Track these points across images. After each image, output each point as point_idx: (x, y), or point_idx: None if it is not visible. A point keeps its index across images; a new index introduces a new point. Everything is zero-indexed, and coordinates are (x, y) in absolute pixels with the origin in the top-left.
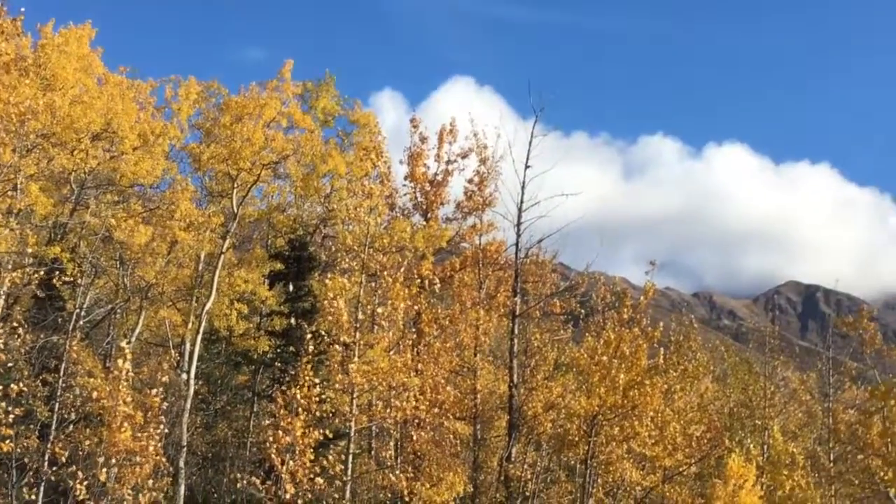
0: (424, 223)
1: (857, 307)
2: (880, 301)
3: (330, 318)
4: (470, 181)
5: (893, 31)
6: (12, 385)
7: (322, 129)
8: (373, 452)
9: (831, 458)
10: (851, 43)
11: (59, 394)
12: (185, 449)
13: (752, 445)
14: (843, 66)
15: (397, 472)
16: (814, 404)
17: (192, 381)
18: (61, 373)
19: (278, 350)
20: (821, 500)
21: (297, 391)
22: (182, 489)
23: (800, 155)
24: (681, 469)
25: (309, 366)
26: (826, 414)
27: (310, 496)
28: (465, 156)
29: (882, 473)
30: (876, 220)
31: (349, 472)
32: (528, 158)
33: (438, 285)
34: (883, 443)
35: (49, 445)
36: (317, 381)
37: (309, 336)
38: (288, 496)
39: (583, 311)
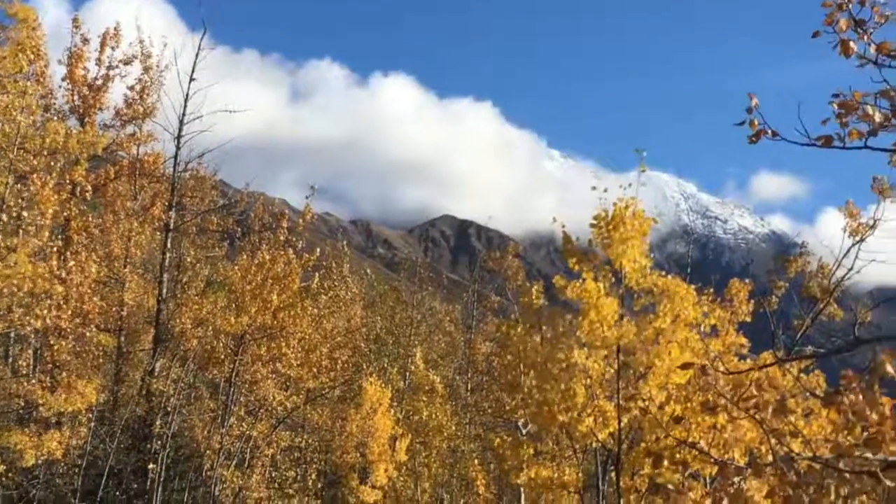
0: (80, 128)
1: (507, 244)
2: (528, 240)
3: None
4: (131, 88)
5: None
6: None
7: None
8: (9, 360)
9: (468, 388)
10: None
11: None
12: None
13: (394, 371)
14: (512, 8)
15: (33, 381)
16: (457, 335)
17: None
18: None
19: None
20: (456, 427)
21: None
22: None
23: (464, 91)
24: (324, 391)
25: None
26: (467, 345)
27: None
28: (128, 62)
29: (512, 403)
30: (531, 163)
31: None
32: (193, 71)
33: (91, 193)
34: (511, 374)
35: None
36: None
37: None
38: None
39: (239, 229)
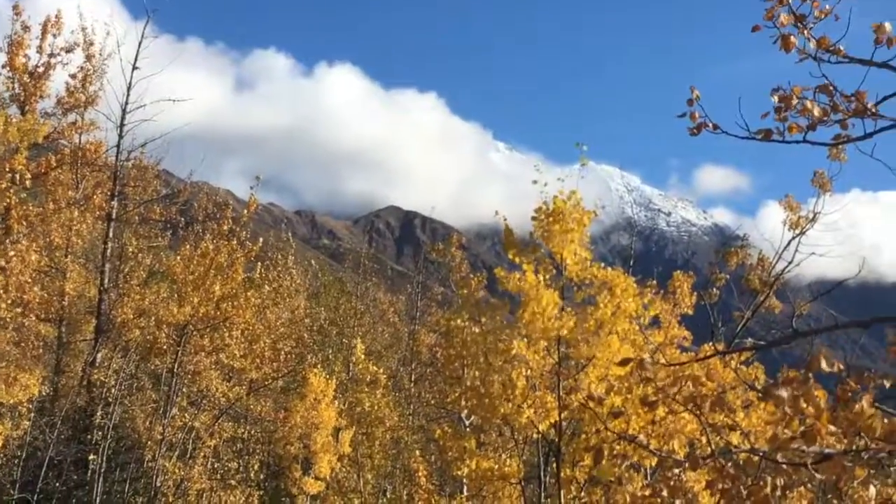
0: (21, 116)
1: (451, 235)
2: (473, 231)
3: None
4: (73, 77)
5: None
6: None
7: None
8: None
9: (412, 379)
10: None
11: None
12: None
13: (338, 362)
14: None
15: None
16: (401, 326)
17: None
18: None
19: None
20: (399, 418)
21: None
22: None
23: (409, 81)
24: (267, 382)
25: None
26: (410, 336)
27: None
28: (70, 50)
29: (454, 394)
30: (477, 154)
31: None
32: (136, 59)
33: (31, 181)
34: (453, 366)
35: None
36: None
37: None
38: None
39: (183, 219)
